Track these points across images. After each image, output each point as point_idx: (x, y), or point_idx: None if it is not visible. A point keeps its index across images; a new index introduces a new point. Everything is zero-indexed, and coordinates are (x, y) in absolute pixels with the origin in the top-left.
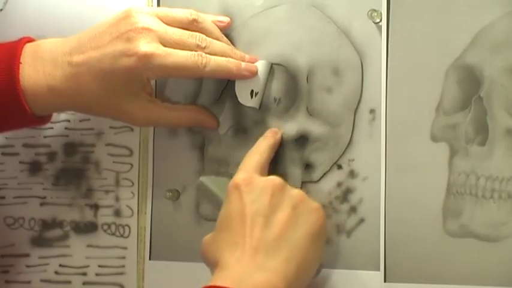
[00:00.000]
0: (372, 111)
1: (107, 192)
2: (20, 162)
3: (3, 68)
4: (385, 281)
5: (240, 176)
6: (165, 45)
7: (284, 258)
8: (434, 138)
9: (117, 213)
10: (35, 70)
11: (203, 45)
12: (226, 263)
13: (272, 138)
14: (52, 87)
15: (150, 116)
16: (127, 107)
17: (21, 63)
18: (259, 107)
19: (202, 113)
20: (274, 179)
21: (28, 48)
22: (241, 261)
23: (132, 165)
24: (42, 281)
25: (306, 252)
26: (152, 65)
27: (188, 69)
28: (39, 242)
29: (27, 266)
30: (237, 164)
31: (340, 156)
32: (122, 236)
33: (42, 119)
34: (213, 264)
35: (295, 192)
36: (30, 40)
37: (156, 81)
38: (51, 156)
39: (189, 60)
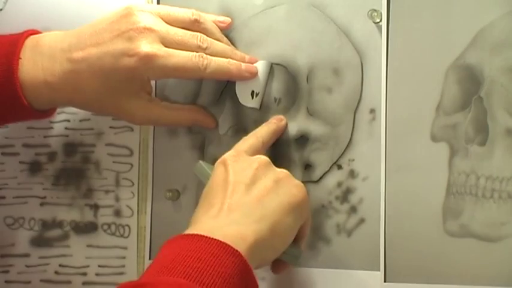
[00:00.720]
0: (372, 111)
1: (107, 192)
2: (20, 162)
3: (2, 62)
4: (385, 281)
5: (229, 153)
6: (166, 46)
7: (257, 218)
8: (434, 138)
9: (117, 213)
10: (34, 65)
11: (204, 46)
12: (199, 220)
13: (275, 124)
14: (50, 83)
15: (149, 115)
16: (126, 106)
17: (20, 58)
18: (260, 107)
19: (200, 112)
20: (261, 157)
21: (29, 42)
22: (214, 218)
23: (132, 165)
24: (42, 281)
25: (280, 219)
26: (153, 65)
27: (189, 70)
28: (39, 242)
29: (27, 266)
30: None
31: (340, 156)
32: (122, 236)
33: (45, 113)
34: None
35: (280, 170)
36: (33, 32)
37: (156, 81)
38: (51, 156)
39: (190, 61)
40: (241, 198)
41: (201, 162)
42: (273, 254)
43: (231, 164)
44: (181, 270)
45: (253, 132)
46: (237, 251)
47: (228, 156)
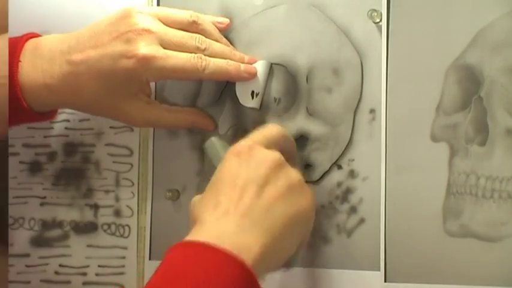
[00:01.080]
0: (372, 111)
1: (107, 192)
2: (20, 162)
3: None
4: (385, 281)
5: (242, 143)
6: (164, 47)
7: (265, 229)
8: (434, 138)
9: (117, 213)
10: (34, 68)
11: (203, 47)
12: (206, 220)
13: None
14: (49, 85)
15: (147, 117)
16: (125, 108)
17: (20, 61)
18: (260, 107)
19: (199, 114)
20: (276, 154)
21: (29, 45)
22: (222, 221)
23: (132, 165)
24: (42, 281)
25: (287, 231)
26: (152, 67)
27: (187, 71)
28: (39, 242)
29: (27, 266)
30: None
31: (340, 156)
32: (121, 236)
33: (45, 115)
34: (193, 223)
35: (293, 173)
36: (33, 35)
37: (155, 82)
38: (51, 156)
39: (188, 62)
40: (252, 203)
41: (213, 139)
42: (277, 264)
43: (243, 157)
44: (187, 284)
45: (275, 124)
46: (243, 263)
47: (241, 147)
